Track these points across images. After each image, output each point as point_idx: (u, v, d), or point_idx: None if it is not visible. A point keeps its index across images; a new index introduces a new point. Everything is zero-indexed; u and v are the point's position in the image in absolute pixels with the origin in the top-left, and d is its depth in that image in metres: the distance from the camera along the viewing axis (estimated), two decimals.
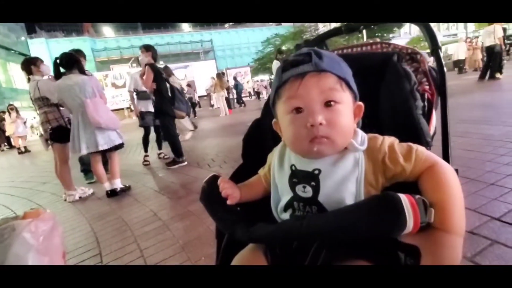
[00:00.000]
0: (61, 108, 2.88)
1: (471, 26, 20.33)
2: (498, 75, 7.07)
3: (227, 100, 10.65)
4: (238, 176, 0.71)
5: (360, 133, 0.54)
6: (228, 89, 11.01)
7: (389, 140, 0.52)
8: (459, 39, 13.67)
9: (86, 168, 3.54)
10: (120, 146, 2.92)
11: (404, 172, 0.49)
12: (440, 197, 0.43)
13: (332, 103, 0.49)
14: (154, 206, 2.42)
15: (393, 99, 0.61)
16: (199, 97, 16.18)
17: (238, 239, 0.55)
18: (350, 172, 0.51)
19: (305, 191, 0.54)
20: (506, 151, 2.23)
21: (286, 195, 0.58)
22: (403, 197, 0.40)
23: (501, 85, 6.31)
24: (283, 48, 6.12)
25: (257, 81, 21.97)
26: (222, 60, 31.33)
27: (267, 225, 0.52)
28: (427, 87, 0.66)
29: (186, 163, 3.68)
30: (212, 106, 14.49)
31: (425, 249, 0.41)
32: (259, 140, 0.77)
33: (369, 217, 0.40)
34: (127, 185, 2.97)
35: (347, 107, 0.52)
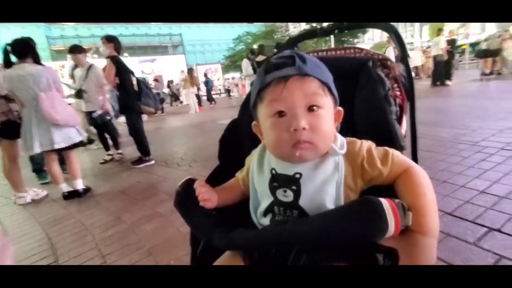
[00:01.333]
0: (11, 101, 2.57)
1: (427, 36, 22.12)
2: (447, 82, 7.80)
3: (197, 97, 10.39)
4: (215, 179, 0.69)
5: (339, 137, 0.55)
6: (198, 85, 10.77)
7: (367, 144, 0.53)
8: (415, 47, 14.80)
9: (39, 167, 3.22)
10: (79, 144, 2.70)
11: (381, 175, 0.50)
12: (415, 200, 0.45)
13: (315, 107, 0.49)
14: (117, 208, 2.28)
15: (368, 104, 0.63)
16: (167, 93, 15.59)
17: (216, 245, 0.53)
18: (330, 175, 0.51)
19: (286, 195, 0.53)
20: (455, 151, 2.46)
21: (266, 200, 0.57)
22: (384, 202, 0.41)
23: (450, 91, 6.97)
24: (255, 47, 6.09)
25: (228, 78, 21.75)
26: (191, 55, 30.50)
27: (247, 231, 0.51)
28: (398, 93, 0.69)
29: (153, 161, 3.52)
30: (181, 102, 14.06)
31: (402, 251, 0.42)
32: (236, 141, 0.75)
33: (352, 222, 0.41)
34: (86, 186, 2.76)
35: (328, 112, 0.52)
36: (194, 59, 28.49)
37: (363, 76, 0.66)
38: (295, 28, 25.52)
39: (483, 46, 8.97)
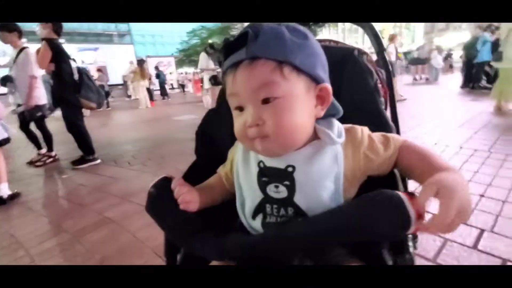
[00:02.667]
0: None
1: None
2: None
3: (149, 91, 9.71)
4: (192, 177, 0.59)
5: (336, 123, 0.50)
6: (150, 79, 10.04)
7: (366, 130, 0.49)
8: None
9: None
10: (4, 141, 2.26)
11: (384, 162, 0.47)
12: (423, 154, 0.45)
13: (271, 99, 0.42)
14: (56, 215, 1.97)
15: (359, 94, 0.60)
16: (112, 85, 14.25)
17: (201, 255, 0.44)
18: (329, 168, 0.46)
19: (278, 191, 0.47)
20: None
21: (254, 197, 0.50)
22: (402, 195, 0.37)
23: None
24: (210, 41, 5.91)
25: (182, 73, 20.85)
26: (141, 46, 28.52)
27: (241, 237, 0.43)
28: (379, 86, 0.68)
29: (99, 161, 3.15)
30: (129, 96, 13.00)
31: (443, 193, 0.35)
32: (215, 133, 0.66)
33: (371, 221, 0.36)
34: (15, 191, 2.33)
35: (295, 98, 0.43)
36: (144, 51, 26.71)
37: (349, 66, 0.63)
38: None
39: (415, 54, 10.16)
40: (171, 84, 19.54)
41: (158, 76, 12.63)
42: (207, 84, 5.18)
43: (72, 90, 2.92)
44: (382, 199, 0.37)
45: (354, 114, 0.60)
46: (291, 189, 0.46)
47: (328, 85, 0.47)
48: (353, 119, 0.61)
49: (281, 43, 0.42)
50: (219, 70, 4.96)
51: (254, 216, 0.50)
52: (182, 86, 18.26)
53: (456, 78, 8.84)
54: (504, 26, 3.93)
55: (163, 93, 12.56)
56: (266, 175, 0.49)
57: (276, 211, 0.48)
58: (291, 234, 0.39)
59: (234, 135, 0.58)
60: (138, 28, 29.37)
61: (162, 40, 31.50)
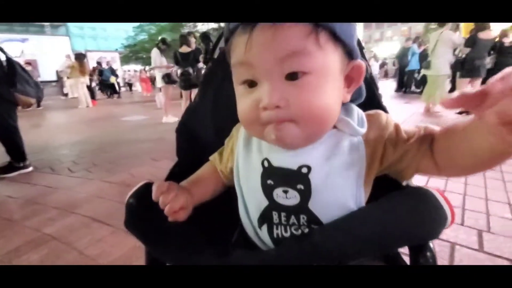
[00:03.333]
0: None
1: None
2: None
3: (90, 88, 8.75)
4: (175, 180, 0.52)
5: (356, 109, 0.41)
6: (91, 75, 9.06)
7: (391, 118, 0.41)
8: None
9: None
10: None
11: (410, 151, 0.38)
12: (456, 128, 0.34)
13: (299, 73, 0.33)
14: None
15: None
16: (44, 82, 12.54)
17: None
18: (350, 165, 0.39)
19: (288, 197, 0.39)
20: None
21: (258, 203, 0.42)
22: (435, 192, 0.34)
23: None
24: (165, 38, 5.57)
25: (129, 70, 19.35)
26: (79, 39, 25.65)
27: (251, 255, 0.37)
28: None
29: (31, 168, 2.71)
30: (66, 95, 11.55)
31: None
32: (199, 129, 0.59)
33: (411, 221, 0.33)
34: None
35: (328, 75, 0.35)
36: (83, 44, 24.16)
37: None
38: (203, 25, 25.16)
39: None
40: (117, 82, 18.03)
41: (101, 72, 11.49)
42: (160, 83, 4.87)
43: (4, 84, 2.44)
44: (420, 200, 0.34)
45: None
46: (306, 194, 0.39)
47: (362, 63, 0.39)
48: None
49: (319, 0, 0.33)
50: (174, 68, 4.71)
51: (260, 226, 0.43)
52: (129, 84, 16.95)
53: (391, 83, 9.94)
54: (432, 39, 4.53)
55: (115, 91, 11.60)
56: (272, 177, 0.40)
57: (285, 220, 0.41)
58: (310, 248, 0.34)
59: (218, 134, 0.52)
60: None
61: (105, 34, 28.83)
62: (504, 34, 6.07)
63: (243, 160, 0.45)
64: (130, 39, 23.04)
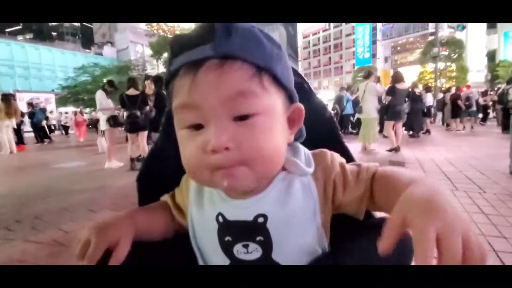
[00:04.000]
0: None
1: None
2: None
3: (18, 132, 7.69)
4: None
5: (302, 149, 0.42)
6: (22, 116, 8.04)
7: (338, 156, 0.42)
8: None
9: None
10: None
11: (356, 191, 0.39)
12: (388, 181, 0.37)
13: (247, 115, 0.33)
14: None
15: (319, 125, 0.53)
16: None
17: None
18: (305, 206, 0.38)
19: (250, 252, 0.38)
20: None
21: (219, 262, 0.40)
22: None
23: None
24: (112, 79, 5.38)
25: (67, 112, 17.76)
26: (6, 78, 23.17)
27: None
28: None
29: None
30: None
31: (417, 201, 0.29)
32: (162, 176, 0.54)
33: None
34: None
35: (273, 116, 0.35)
36: (12, 84, 21.84)
37: (303, 98, 0.58)
38: (153, 69, 25.26)
39: None
40: (53, 126, 16.23)
41: (33, 115, 10.32)
42: (103, 126, 4.55)
43: None
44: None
45: (311, 142, 0.52)
46: (267, 245, 0.37)
47: (301, 106, 0.40)
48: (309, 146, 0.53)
49: (261, 47, 0.33)
50: (120, 110, 4.50)
51: None
52: (64, 127, 15.43)
53: None
54: (360, 88, 5.31)
55: (45, 135, 10.34)
56: (229, 233, 0.38)
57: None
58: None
59: (179, 176, 0.48)
60: (3, 57, 24.13)
61: (39, 74, 26.65)
62: (414, 85, 7.46)
63: (197, 218, 0.42)
64: (70, 80, 21.66)
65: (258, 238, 0.37)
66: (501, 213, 2.04)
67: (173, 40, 0.36)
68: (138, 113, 4.23)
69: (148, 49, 25.32)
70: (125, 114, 4.38)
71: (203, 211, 0.41)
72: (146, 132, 4.47)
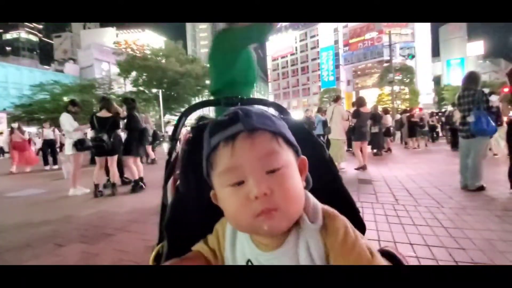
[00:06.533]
0: None
1: None
2: None
3: None
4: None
5: (312, 200, 0.47)
6: None
7: (346, 222, 0.45)
8: None
9: None
10: None
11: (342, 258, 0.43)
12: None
13: (275, 169, 0.42)
14: None
15: (316, 168, 0.55)
16: None
17: None
18: (316, 258, 0.43)
19: None
20: None
21: None
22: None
23: None
24: (75, 99, 5.10)
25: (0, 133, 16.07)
26: None
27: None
28: None
29: None
30: None
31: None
32: (187, 221, 0.56)
33: None
34: None
35: (292, 167, 0.45)
36: None
37: (301, 138, 0.54)
38: (120, 87, 24.39)
39: None
40: (0, 148, 14.65)
41: None
42: (69, 150, 4.26)
43: None
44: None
45: (316, 186, 0.53)
46: None
47: (305, 158, 0.49)
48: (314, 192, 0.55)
49: (272, 120, 0.46)
50: (89, 131, 4.27)
51: None
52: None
53: None
54: (329, 111, 5.66)
55: None
56: None
57: None
58: None
59: (211, 217, 0.51)
60: None
61: None
62: (375, 107, 8.13)
63: (230, 262, 0.48)
64: (26, 98, 20.06)
65: None
66: (458, 225, 2.27)
67: (210, 125, 0.46)
68: (105, 137, 4.03)
69: (115, 68, 24.58)
70: (90, 137, 4.19)
71: (235, 255, 0.48)
72: (115, 157, 4.26)
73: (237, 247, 0.49)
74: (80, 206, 3.58)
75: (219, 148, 0.43)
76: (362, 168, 5.24)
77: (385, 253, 0.48)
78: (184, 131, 0.80)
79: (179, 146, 0.73)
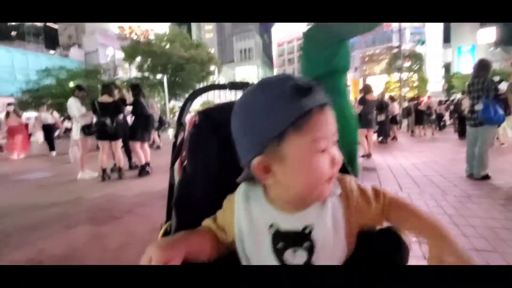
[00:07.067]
0: None
1: None
2: None
3: None
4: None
5: None
6: None
7: (354, 179, 0.51)
8: None
9: None
10: None
11: (375, 215, 0.49)
12: (411, 212, 0.49)
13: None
14: None
15: None
16: None
17: None
18: (336, 222, 0.47)
19: (296, 256, 0.45)
20: None
21: (266, 264, 0.47)
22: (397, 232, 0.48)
23: None
24: (81, 84, 5.14)
25: (28, 118, 16.41)
26: None
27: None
28: None
29: None
30: None
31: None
32: (195, 199, 0.58)
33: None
34: None
35: None
36: None
37: None
38: (126, 73, 24.32)
39: None
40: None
41: None
42: (76, 134, 4.33)
43: None
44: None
45: None
46: (311, 251, 0.45)
47: None
48: None
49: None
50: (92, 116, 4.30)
51: None
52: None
53: None
54: None
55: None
56: (284, 240, 0.46)
57: None
58: None
59: (218, 199, 0.53)
60: None
61: None
62: (382, 95, 8.00)
63: (248, 230, 0.48)
64: (32, 84, 20.18)
65: (305, 245, 0.46)
66: (462, 213, 2.28)
67: (296, 87, 0.42)
68: (108, 121, 4.07)
69: (120, 53, 24.44)
70: (94, 120, 4.20)
71: (253, 224, 0.48)
72: (119, 142, 4.31)
73: (254, 215, 0.49)
74: (88, 189, 3.67)
75: (313, 114, 0.41)
76: (367, 156, 5.23)
77: (389, 233, 0.49)
78: (188, 117, 0.82)
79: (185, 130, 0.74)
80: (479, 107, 3.27)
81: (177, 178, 0.64)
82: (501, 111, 3.22)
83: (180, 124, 0.81)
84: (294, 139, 0.41)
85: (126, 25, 34.13)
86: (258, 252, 0.48)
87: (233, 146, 0.47)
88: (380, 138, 7.52)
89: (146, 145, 4.59)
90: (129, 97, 4.56)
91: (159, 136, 8.35)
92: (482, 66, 3.41)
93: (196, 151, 0.59)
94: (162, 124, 7.10)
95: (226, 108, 0.71)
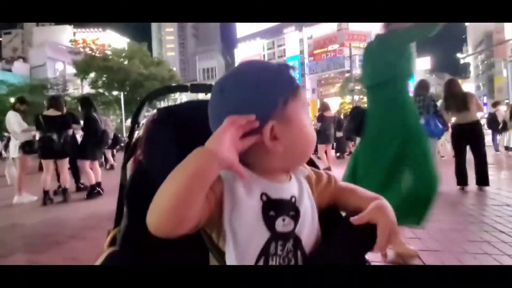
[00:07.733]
0: None
1: None
2: None
3: None
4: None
5: None
6: None
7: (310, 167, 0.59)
8: None
9: None
10: None
11: (328, 193, 0.56)
12: (354, 190, 0.57)
13: None
14: None
15: None
16: None
17: None
18: (309, 195, 0.51)
19: (285, 224, 0.46)
20: None
21: (259, 238, 0.45)
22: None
23: None
24: (23, 96, 4.62)
25: None
26: None
27: None
28: None
29: None
30: None
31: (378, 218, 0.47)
32: (150, 190, 0.52)
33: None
34: None
35: None
36: None
37: None
38: (76, 89, 22.68)
39: None
40: None
41: None
42: (14, 152, 3.81)
43: None
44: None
45: None
46: (296, 219, 0.47)
47: None
48: None
49: None
50: (34, 133, 3.86)
51: (257, 262, 0.44)
52: None
53: None
54: None
55: None
56: (274, 208, 0.47)
57: (281, 249, 0.45)
58: None
59: None
60: None
61: None
62: (339, 113, 8.58)
63: (235, 200, 0.46)
64: None
65: (291, 213, 0.48)
66: None
67: (286, 66, 0.50)
68: (55, 136, 3.65)
69: (71, 68, 22.87)
70: (37, 136, 3.76)
71: (240, 196, 0.46)
72: (66, 160, 3.88)
73: (238, 186, 0.47)
74: (26, 215, 3.21)
75: (297, 94, 0.49)
76: (327, 169, 5.46)
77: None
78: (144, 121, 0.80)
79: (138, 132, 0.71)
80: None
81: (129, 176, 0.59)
82: (440, 125, 3.64)
83: (135, 123, 0.77)
84: (293, 102, 0.48)
85: (80, 38, 32.35)
86: (247, 221, 0.45)
87: (196, 144, 0.43)
88: (338, 154, 7.95)
89: (96, 164, 4.22)
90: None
91: (113, 155, 7.78)
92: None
93: (154, 143, 0.56)
94: (117, 142, 6.64)
95: (191, 107, 0.69)
